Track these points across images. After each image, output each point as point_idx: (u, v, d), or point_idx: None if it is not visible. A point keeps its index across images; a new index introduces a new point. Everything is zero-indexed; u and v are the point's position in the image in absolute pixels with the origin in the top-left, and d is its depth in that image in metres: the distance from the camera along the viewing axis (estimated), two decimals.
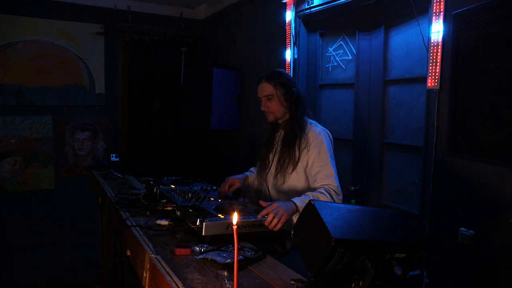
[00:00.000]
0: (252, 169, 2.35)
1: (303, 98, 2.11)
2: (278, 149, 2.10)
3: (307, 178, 2.03)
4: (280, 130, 2.16)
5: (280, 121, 2.12)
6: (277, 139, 2.16)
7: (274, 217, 1.65)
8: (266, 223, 1.65)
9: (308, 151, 2.00)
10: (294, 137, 2.02)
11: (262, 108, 2.09)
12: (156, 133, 4.92)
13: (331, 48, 3.21)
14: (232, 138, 4.32)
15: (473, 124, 1.94)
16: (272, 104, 2.06)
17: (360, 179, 2.91)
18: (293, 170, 2.02)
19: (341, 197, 1.96)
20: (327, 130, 2.08)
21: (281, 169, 2.04)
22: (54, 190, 4.31)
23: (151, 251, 1.45)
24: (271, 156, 2.15)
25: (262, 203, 1.75)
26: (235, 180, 2.12)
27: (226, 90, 3.96)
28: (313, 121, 2.11)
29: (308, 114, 2.13)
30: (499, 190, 1.87)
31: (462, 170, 2.04)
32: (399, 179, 2.67)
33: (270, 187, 2.15)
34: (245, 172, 2.31)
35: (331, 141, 2.05)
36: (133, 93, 4.69)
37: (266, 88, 2.06)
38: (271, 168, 2.12)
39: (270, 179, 2.14)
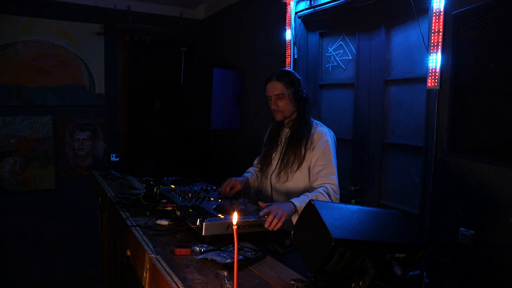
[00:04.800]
0: (251, 169, 2.35)
1: (310, 98, 2.15)
2: (284, 148, 2.11)
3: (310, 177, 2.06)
4: (286, 129, 2.17)
5: (286, 120, 2.14)
6: (281, 138, 2.17)
7: (273, 217, 1.65)
8: (266, 225, 1.65)
9: (313, 150, 2.03)
10: (301, 136, 2.05)
11: (272, 107, 2.09)
12: (156, 133, 4.91)
13: (331, 48, 3.20)
14: (232, 138, 4.32)
15: (473, 124, 1.94)
16: (282, 103, 2.07)
17: (360, 179, 2.91)
18: (297, 168, 2.05)
19: (338, 196, 2.00)
20: (332, 131, 2.14)
21: (285, 167, 2.06)
22: (54, 190, 4.31)
23: (151, 251, 1.45)
24: (274, 155, 2.16)
25: (261, 204, 1.75)
26: (237, 183, 2.11)
27: (226, 90, 3.96)
28: (318, 122, 2.15)
29: (313, 114, 2.16)
30: (499, 190, 1.87)
31: (462, 170, 2.04)
32: (399, 179, 2.66)
33: (273, 185, 2.15)
34: (244, 174, 2.31)
35: (335, 142, 2.11)
36: (133, 93, 4.69)
37: (277, 87, 2.06)
38: (274, 166, 2.13)
39: (273, 177, 2.14)
